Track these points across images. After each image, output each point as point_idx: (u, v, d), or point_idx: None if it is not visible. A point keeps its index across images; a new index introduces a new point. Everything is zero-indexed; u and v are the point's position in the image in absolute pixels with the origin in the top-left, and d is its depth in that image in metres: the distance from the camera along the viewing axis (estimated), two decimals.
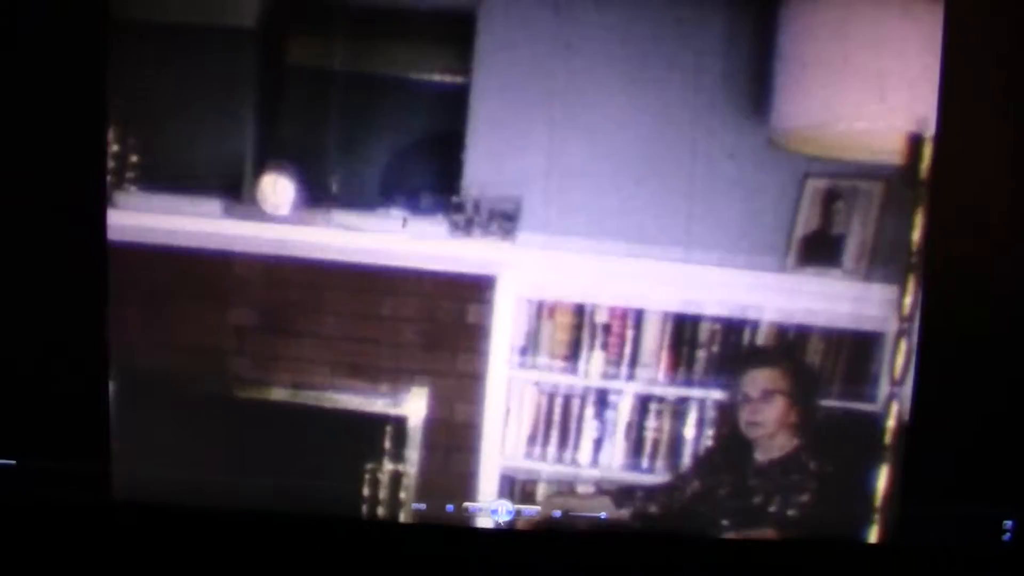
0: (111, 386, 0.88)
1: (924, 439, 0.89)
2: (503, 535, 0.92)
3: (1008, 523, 0.89)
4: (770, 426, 0.91)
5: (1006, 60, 0.88)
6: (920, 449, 0.89)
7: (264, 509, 0.90)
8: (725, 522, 0.92)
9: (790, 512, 0.92)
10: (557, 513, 0.91)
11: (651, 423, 0.92)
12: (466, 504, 0.91)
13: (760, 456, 0.92)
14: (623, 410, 0.92)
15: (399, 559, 0.92)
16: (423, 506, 0.91)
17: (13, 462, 0.88)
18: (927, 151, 0.89)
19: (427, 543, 0.91)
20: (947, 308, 0.89)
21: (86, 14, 0.84)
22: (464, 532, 0.91)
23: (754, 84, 0.88)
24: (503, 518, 0.91)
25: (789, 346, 0.91)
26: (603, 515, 0.91)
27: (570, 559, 0.92)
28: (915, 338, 0.91)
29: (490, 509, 0.91)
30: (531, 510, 0.91)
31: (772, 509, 0.92)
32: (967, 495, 0.89)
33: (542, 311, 0.90)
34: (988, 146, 0.89)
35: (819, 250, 0.90)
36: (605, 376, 0.91)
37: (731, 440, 0.92)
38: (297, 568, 0.91)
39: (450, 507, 0.91)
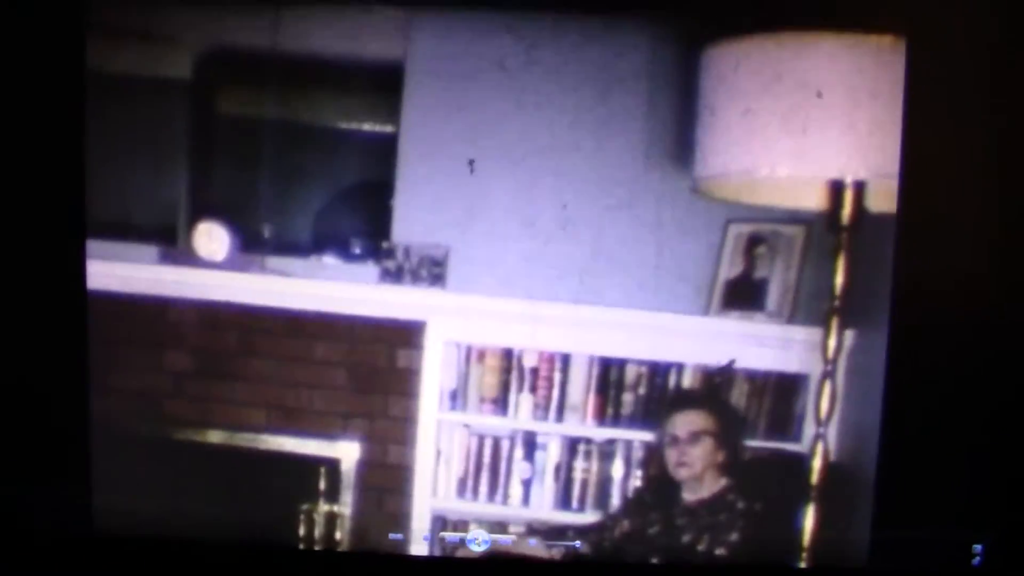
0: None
1: (895, 468, 0.90)
2: (444, 564, 0.93)
3: (978, 547, 0.91)
4: (697, 467, 0.93)
5: (968, 99, 0.89)
6: (891, 478, 0.90)
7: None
8: (655, 561, 0.94)
9: (719, 551, 0.94)
10: (532, 541, 0.92)
11: (580, 464, 0.93)
12: (443, 534, 0.93)
13: (688, 496, 0.94)
14: (552, 452, 0.93)
15: None
16: (400, 536, 0.92)
17: None
18: (848, 197, 0.91)
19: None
20: (913, 343, 0.90)
21: (62, 62, 0.85)
22: (405, 560, 0.93)
23: (677, 134, 0.90)
24: (480, 548, 0.92)
25: (714, 388, 0.92)
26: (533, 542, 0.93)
27: None
28: (840, 379, 0.93)
29: (468, 539, 0.92)
30: (506, 539, 0.92)
31: (701, 548, 0.94)
32: (938, 521, 0.91)
33: (471, 355, 0.92)
34: (953, 185, 0.89)
35: (742, 294, 0.92)
36: (534, 418, 0.93)
37: (659, 480, 0.94)
38: None
39: (427, 536, 0.92)
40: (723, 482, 0.93)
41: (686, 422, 0.93)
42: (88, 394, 0.88)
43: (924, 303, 0.90)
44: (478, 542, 0.92)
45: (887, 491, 0.91)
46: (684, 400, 0.93)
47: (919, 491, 0.91)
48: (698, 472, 0.93)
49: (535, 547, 0.92)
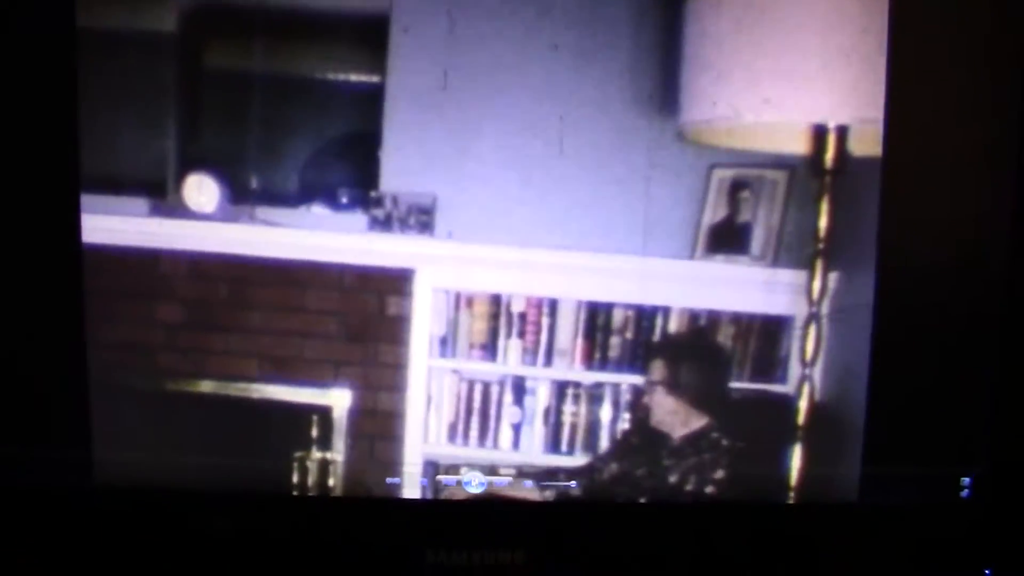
0: None
1: (884, 405, 0.92)
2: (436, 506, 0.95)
3: (966, 480, 0.93)
4: (659, 413, 0.94)
5: (952, 46, 0.90)
6: (880, 414, 0.92)
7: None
8: (643, 500, 0.95)
9: (707, 489, 0.95)
10: (528, 483, 0.94)
11: (568, 408, 0.95)
12: (439, 477, 0.94)
13: (672, 435, 0.95)
14: (541, 396, 0.95)
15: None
16: (397, 480, 0.94)
17: None
18: (831, 141, 0.92)
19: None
20: (900, 282, 0.91)
21: (54, 21, 0.86)
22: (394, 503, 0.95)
23: (662, 78, 0.91)
24: (476, 489, 0.94)
25: (690, 334, 0.94)
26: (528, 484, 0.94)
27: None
28: (824, 321, 0.94)
29: (464, 481, 0.94)
30: (502, 480, 0.94)
31: (688, 488, 0.95)
32: (927, 455, 0.93)
33: (460, 302, 0.93)
34: (936, 132, 0.91)
35: (726, 238, 0.93)
36: (523, 363, 0.94)
37: (645, 422, 0.95)
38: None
39: (424, 481, 0.94)
40: (705, 420, 0.94)
41: (657, 368, 0.94)
42: (86, 349, 0.89)
43: (910, 243, 0.91)
44: (474, 484, 0.93)
45: (876, 428, 0.92)
46: (652, 348, 0.94)
47: (908, 427, 0.93)
48: (660, 418, 0.94)
49: (530, 488, 0.93)
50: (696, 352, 0.94)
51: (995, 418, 0.93)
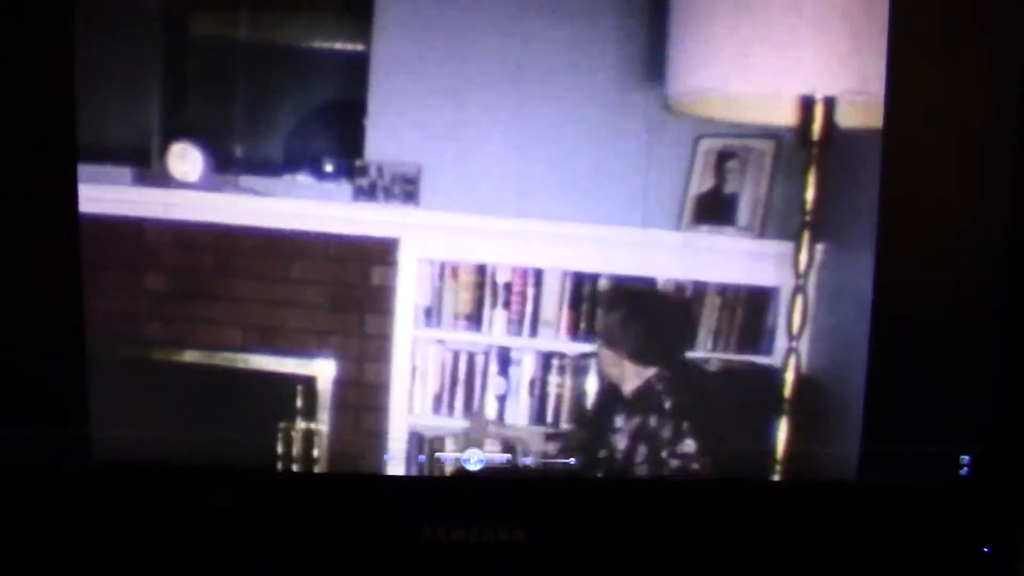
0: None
1: (883, 383, 0.92)
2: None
3: (965, 458, 0.93)
4: (611, 364, 0.94)
5: (953, 19, 0.89)
6: (880, 392, 0.92)
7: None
8: (645, 478, 0.95)
9: (674, 463, 0.94)
10: (526, 460, 0.93)
11: (554, 379, 0.95)
12: (437, 454, 0.94)
13: (622, 389, 0.94)
14: (526, 367, 0.95)
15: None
16: (393, 456, 0.94)
17: None
18: (819, 112, 0.92)
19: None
20: (901, 258, 0.91)
21: None
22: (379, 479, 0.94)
23: (649, 48, 0.91)
24: (475, 467, 0.93)
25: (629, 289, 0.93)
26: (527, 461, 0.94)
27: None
28: (810, 293, 0.94)
29: (463, 458, 0.93)
30: (501, 457, 0.94)
31: (640, 459, 0.94)
32: (926, 434, 0.93)
33: (445, 272, 0.93)
34: (936, 106, 0.90)
35: (713, 209, 0.93)
36: (508, 334, 0.94)
37: (604, 381, 0.94)
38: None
39: (422, 458, 0.94)
40: (649, 372, 0.93)
41: (597, 323, 0.94)
42: (82, 321, 0.89)
43: (911, 220, 0.91)
44: (473, 461, 0.93)
45: (875, 406, 0.92)
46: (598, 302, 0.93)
47: (907, 405, 0.93)
48: (607, 371, 0.94)
49: (528, 465, 0.93)
50: (630, 305, 0.93)
51: (995, 396, 0.92)
